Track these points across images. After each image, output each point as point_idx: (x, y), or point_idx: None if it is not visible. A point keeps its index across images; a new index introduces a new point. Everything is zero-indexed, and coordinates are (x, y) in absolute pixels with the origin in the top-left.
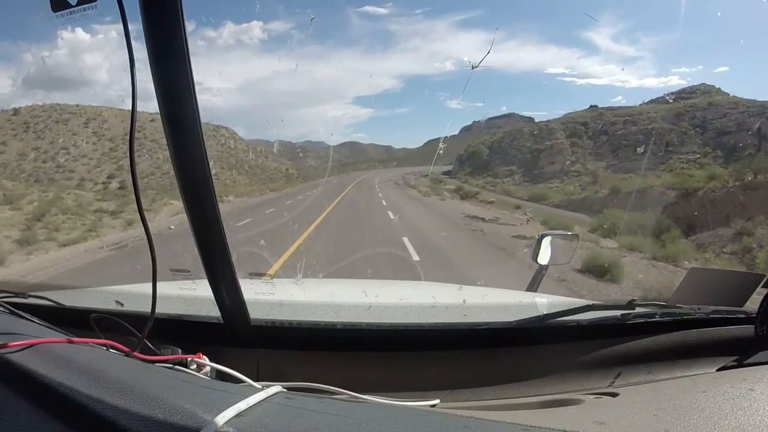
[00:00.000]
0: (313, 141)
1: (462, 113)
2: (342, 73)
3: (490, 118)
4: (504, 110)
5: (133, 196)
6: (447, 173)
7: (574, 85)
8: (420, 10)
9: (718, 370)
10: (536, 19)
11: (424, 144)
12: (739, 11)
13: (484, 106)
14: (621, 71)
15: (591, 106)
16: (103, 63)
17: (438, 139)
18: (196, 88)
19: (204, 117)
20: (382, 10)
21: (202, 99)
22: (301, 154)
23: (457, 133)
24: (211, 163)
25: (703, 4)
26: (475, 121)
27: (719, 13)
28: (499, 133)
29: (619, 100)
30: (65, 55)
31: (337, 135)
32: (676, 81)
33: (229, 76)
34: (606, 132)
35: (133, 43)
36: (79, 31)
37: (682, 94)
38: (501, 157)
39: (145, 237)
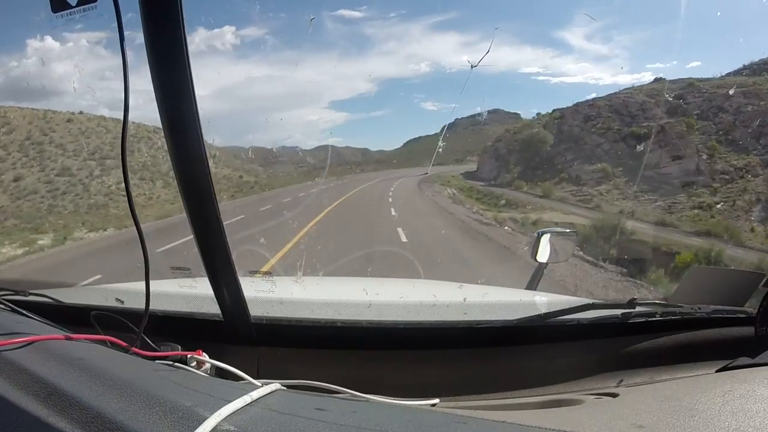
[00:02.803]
0: (288, 146)
1: (438, 114)
2: (318, 77)
3: (473, 115)
4: (478, 110)
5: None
6: (471, 176)
7: (548, 83)
8: (395, 13)
9: (718, 371)
10: (511, 20)
11: (404, 145)
12: (711, 6)
13: (458, 107)
14: (594, 69)
15: (656, 79)
16: (73, 72)
17: (419, 138)
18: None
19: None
20: (356, 14)
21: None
22: (274, 159)
23: (438, 131)
24: (132, 176)
25: (676, 1)
26: (457, 119)
27: (691, 9)
28: (554, 114)
29: (593, 97)
30: (34, 65)
31: (313, 139)
32: (649, 77)
33: (203, 82)
34: (723, 109)
35: (125, 45)
36: (48, 39)
37: None
38: (573, 148)
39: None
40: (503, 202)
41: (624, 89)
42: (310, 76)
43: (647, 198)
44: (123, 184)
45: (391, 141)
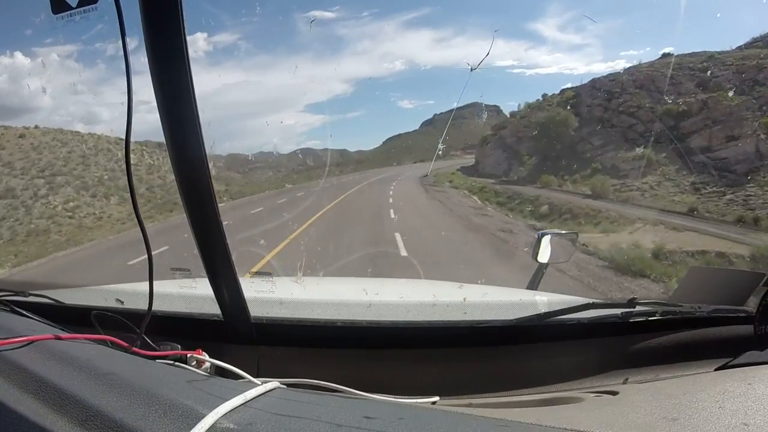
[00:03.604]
0: (266, 152)
1: (414, 112)
2: (293, 80)
3: (451, 110)
4: (455, 105)
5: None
6: (472, 171)
7: (523, 76)
8: (367, 12)
9: (718, 369)
10: (484, 15)
11: (383, 144)
12: None
13: (435, 104)
14: (568, 59)
15: (664, 54)
16: (46, 87)
17: (398, 135)
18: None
19: (153, 136)
20: (329, 14)
21: (152, 118)
22: (252, 165)
23: (417, 127)
24: (83, 192)
25: None
26: (436, 114)
27: None
28: (566, 93)
29: (568, 87)
30: (5, 82)
31: (291, 144)
32: (623, 64)
33: None
34: (758, 82)
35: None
36: (18, 55)
37: None
38: (600, 132)
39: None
40: (545, 208)
41: (630, 67)
42: (285, 80)
43: (712, 190)
44: (70, 203)
45: (369, 141)
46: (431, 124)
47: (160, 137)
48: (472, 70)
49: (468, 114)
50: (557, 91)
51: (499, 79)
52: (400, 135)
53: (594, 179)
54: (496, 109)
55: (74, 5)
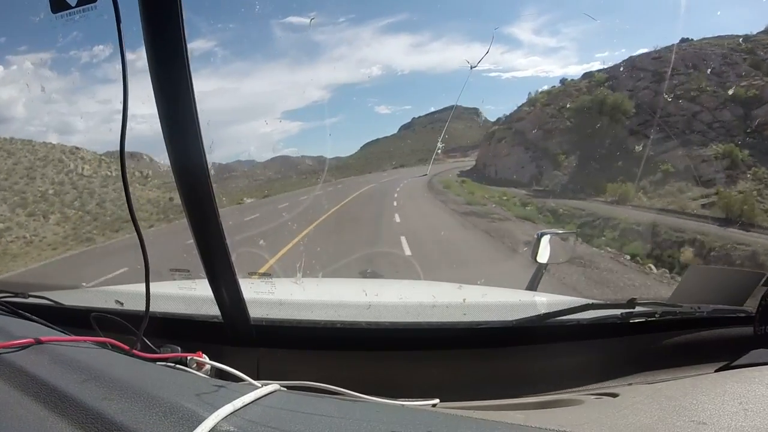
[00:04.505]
0: (243, 160)
1: (392, 117)
2: (270, 87)
3: (430, 113)
4: (432, 109)
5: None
6: (476, 176)
7: (500, 79)
8: (344, 18)
9: (718, 371)
10: (461, 19)
11: (360, 149)
12: None
13: (412, 108)
14: (544, 62)
15: (682, 39)
16: (19, 97)
17: (376, 140)
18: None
19: (132, 146)
20: (306, 20)
21: (128, 126)
22: (228, 174)
23: (396, 131)
24: (20, 211)
25: None
26: (414, 118)
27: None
28: (597, 76)
29: (546, 89)
30: None
31: (268, 151)
32: (598, 66)
33: (151, 101)
34: None
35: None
36: None
37: None
38: (659, 123)
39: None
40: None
41: (661, 48)
42: (262, 87)
43: None
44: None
45: (347, 147)
46: (410, 127)
47: (161, 151)
48: (472, 68)
49: (447, 117)
50: (579, 76)
51: (477, 82)
52: (378, 140)
53: (724, 195)
54: (475, 112)
55: (73, 4)
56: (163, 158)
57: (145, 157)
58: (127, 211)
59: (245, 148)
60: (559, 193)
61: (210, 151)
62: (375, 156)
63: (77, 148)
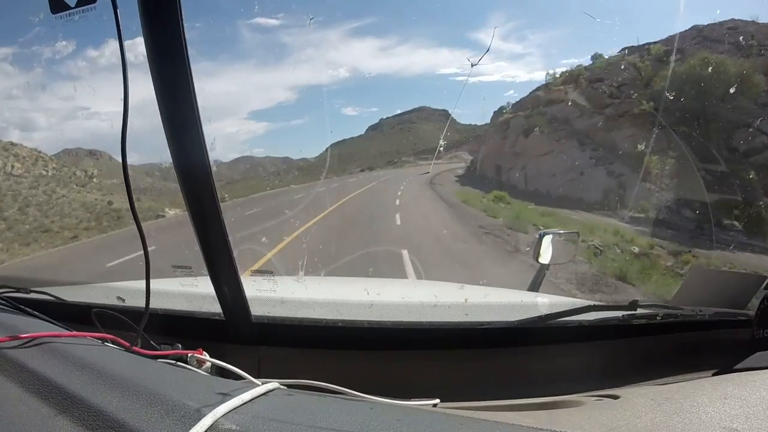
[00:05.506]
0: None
1: (358, 119)
2: (236, 88)
3: (398, 114)
4: (398, 111)
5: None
6: (481, 183)
7: (467, 83)
8: (312, 20)
9: (718, 374)
10: (428, 23)
11: (327, 149)
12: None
13: (379, 110)
14: (510, 67)
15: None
16: None
17: (343, 141)
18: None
19: (95, 144)
20: (273, 22)
21: (90, 125)
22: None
23: (363, 132)
24: None
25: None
26: (382, 119)
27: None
28: (654, 48)
29: (511, 94)
30: None
31: (234, 152)
32: (562, 71)
33: (115, 99)
34: None
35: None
36: None
37: None
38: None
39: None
40: None
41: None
42: (228, 88)
43: None
44: None
45: (313, 149)
46: (377, 128)
47: (90, 146)
48: (472, 65)
49: (416, 118)
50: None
51: (444, 86)
52: (344, 140)
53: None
54: (444, 114)
55: (73, 5)
56: (136, 156)
57: (104, 155)
58: (52, 223)
59: (211, 148)
60: (687, 227)
61: (212, 148)
62: (342, 158)
63: (12, 143)
